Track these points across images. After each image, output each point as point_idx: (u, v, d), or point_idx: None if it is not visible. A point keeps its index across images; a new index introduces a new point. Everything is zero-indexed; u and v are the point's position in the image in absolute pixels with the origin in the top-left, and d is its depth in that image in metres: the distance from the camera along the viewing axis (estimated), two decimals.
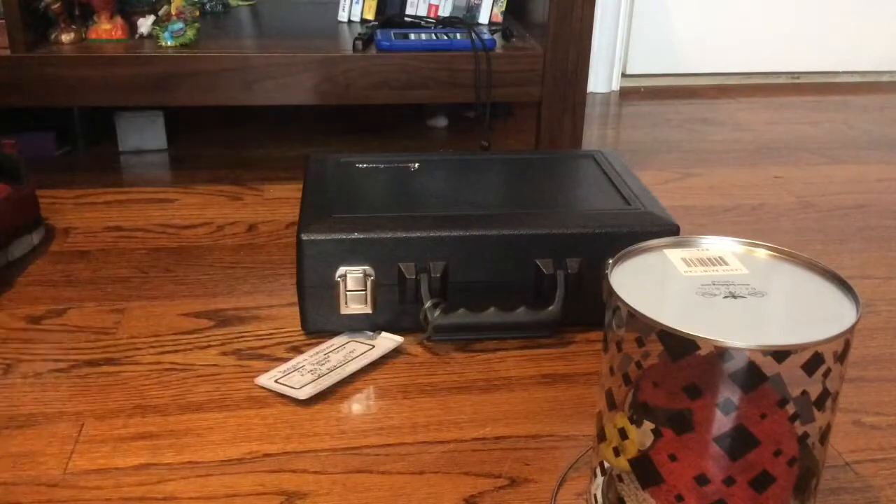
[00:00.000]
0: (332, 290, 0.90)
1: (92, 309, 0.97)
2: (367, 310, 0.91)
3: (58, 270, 1.05)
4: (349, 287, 0.90)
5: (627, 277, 0.62)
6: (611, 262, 0.63)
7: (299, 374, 0.84)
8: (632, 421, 0.62)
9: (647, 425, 0.61)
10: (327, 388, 0.83)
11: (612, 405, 0.62)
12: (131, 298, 0.99)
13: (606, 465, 0.66)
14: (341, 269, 0.89)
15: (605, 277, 0.61)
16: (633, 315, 0.57)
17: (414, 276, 0.89)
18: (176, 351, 0.89)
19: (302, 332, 0.93)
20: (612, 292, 0.59)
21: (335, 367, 0.85)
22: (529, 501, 0.70)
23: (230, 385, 0.84)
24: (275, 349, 0.90)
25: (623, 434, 0.62)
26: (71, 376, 0.85)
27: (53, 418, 0.78)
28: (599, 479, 0.67)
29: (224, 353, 0.89)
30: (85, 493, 0.69)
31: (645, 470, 0.61)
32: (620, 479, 0.64)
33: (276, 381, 0.83)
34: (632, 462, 0.61)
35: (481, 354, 0.90)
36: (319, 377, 0.83)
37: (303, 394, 0.81)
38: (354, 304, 0.91)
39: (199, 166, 1.40)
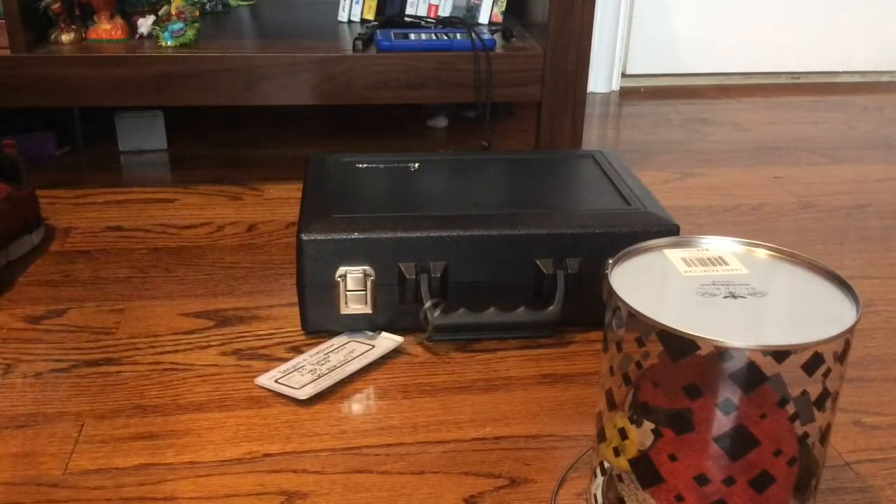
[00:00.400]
0: (332, 290, 0.90)
1: (92, 309, 0.97)
2: (367, 310, 0.91)
3: (58, 270, 1.05)
4: (349, 287, 0.90)
5: (627, 277, 0.62)
6: (611, 262, 0.63)
7: (299, 374, 0.84)
8: (632, 421, 0.62)
9: (647, 425, 0.61)
10: (327, 388, 0.83)
11: (612, 405, 0.62)
12: (131, 298, 0.99)
13: (606, 465, 0.66)
14: (341, 269, 0.89)
15: (605, 277, 0.61)
16: (633, 315, 0.57)
17: (414, 276, 0.89)
18: (176, 351, 0.89)
19: (302, 332, 0.93)
20: (612, 292, 0.59)
21: (335, 367, 0.85)
22: (529, 501, 0.70)
23: (230, 385, 0.84)
24: (275, 349, 0.90)
25: (623, 434, 0.62)
26: (71, 376, 0.85)
27: (53, 418, 0.78)
28: (599, 479, 0.67)
29: (224, 353, 0.89)
30: (85, 493, 0.70)
31: (645, 470, 0.61)
32: (620, 479, 0.64)
33: (276, 382, 0.83)
34: (632, 462, 0.61)
35: (481, 354, 0.90)
36: (319, 377, 0.84)
37: (303, 394, 0.81)
38: (354, 304, 0.91)
39: (199, 166, 1.40)
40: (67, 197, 1.26)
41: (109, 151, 1.45)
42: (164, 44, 1.26)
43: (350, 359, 0.87)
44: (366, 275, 0.89)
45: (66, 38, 1.26)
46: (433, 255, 0.90)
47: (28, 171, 1.11)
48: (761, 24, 1.94)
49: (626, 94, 1.91)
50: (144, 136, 1.45)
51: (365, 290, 0.90)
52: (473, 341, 0.92)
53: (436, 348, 0.91)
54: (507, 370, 0.87)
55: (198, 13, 1.38)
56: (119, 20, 1.30)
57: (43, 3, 1.24)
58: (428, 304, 0.89)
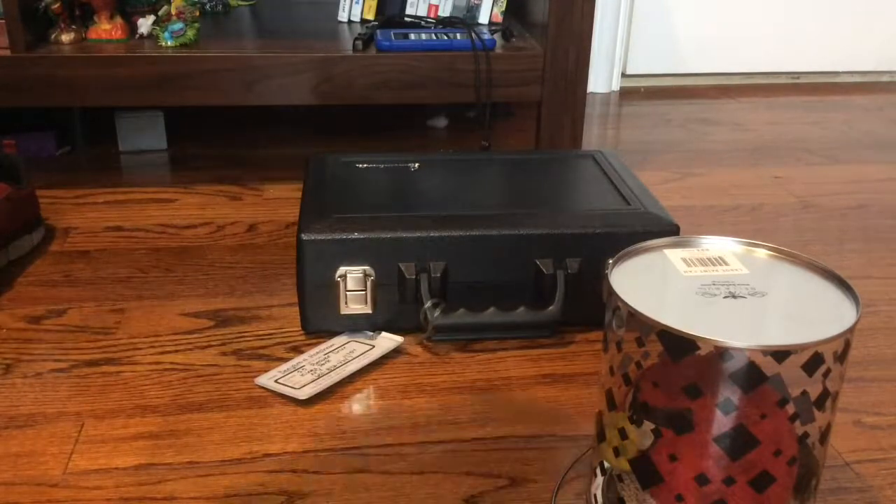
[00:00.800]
0: (332, 290, 0.90)
1: (92, 309, 0.97)
2: (367, 310, 0.91)
3: (58, 270, 1.05)
4: (349, 287, 0.90)
5: (627, 277, 0.62)
6: (611, 262, 0.63)
7: (299, 374, 0.84)
8: (632, 421, 0.62)
9: (647, 425, 0.61)
10: (327, 388, 0.83)
11: (612, 405, 0.62)
12: (131, 298, 0.99)
13: (606, 465, 0.66)
14: (341, 269, 0.89)
15: (605, 277, 0.61)
16: (633, 315, 0.57)
17: (414, 276, 0.89)
18: (176, 351, 0.89)
19: (302, 332, 0.93)
20: (612, 292, 0.59)
21: (335, 367, 0.85)
22: (529, 501, 0.70)
23: (230, 385, 0.84)
24: (275, 349, 0.90)
25: (623, 434, 0.62)
26: (71, 376, 0.85)
27: (53, 418, 0.78)
28: (599, 479, 0.67)
29: (224, 353, 0.89)
30: (85, 493, 0.70)
31: (645, 470, 0.61)
32: (620, 479, 0.64)
33: (276, 382, 0.83)
34: (632, 462, 0.61)
35: (481, 354, 0.90)
36: (319, 377, 0.84)
37: (303, 394, 0.81)
38: (354, 304, 0.91)
39: (199, 166, 1.40)
40: (67, 197, 1.26)
41: (109, 151, 1.45)
42: (164, 44, 1.26)
43: (350, 359, 0.87)
44: (366, 275, 0.89)
45: (66, 38, 1.26)
46: (433, 255, 0.90)
47: (28, 171, 1.11)
48: (761, 24, 1.94)
49: (626, 94, 1.92)
50: (144, 136, 1.45)
51: (365, 290, 0.90)
52: (473, 341, 0.92)
53: (436, 348, 0.91)
54: (507, 370, 0.87)
55: (198, 13, 1.38)
56: (119, 20, 1.30)
57: (43, 3, 1.24)
58: (428, 304, 0.89)
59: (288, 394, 0.81)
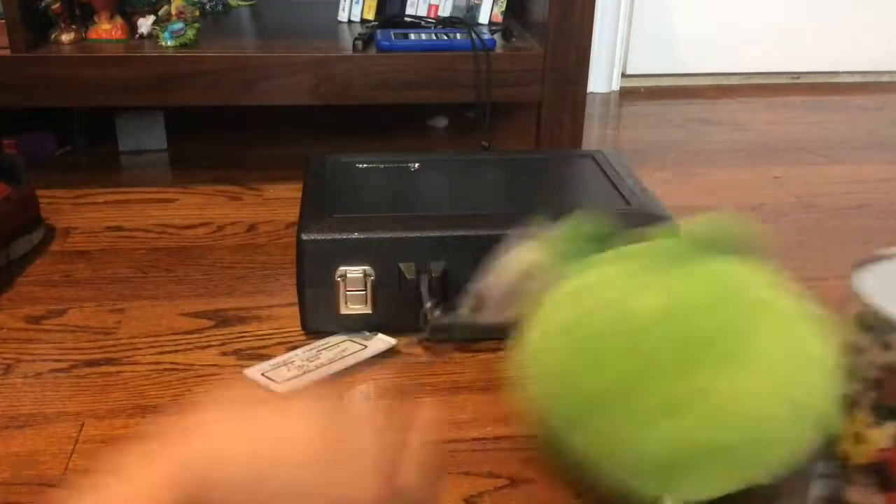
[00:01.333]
0: (332, 290, 0.90)
1: (92, 309, 0.97)
2: (367, 310, 0.91)
3: (58, 270, 1.05)
4: (349, 287, 0.90)
5: (872, 283, 0.61)
6: (855, 268, 0.63)
7: (286, 369, 0.84)
8: (873, 423, 0.61)
9: (889, 428, 0.60)
10: (329, 388, 0.82)
11: (850, 406, 0.61)
12: (131, 298, 0.99)
13: (831, 467, 0.64)
14: (341, 269, 0.89)
15: (853, 284, 0.61)
16: (885, 320, 0.57)
17: (414, 276, 0.89)
18: (176, 351, 0.89)
19: (302, 332, 0.93)
20: (861, 298, 0.59)
21: (322, 365, 0.85)
22: (529, 501, 0.70)
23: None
24: (275, 349, 0.90)
25: (859, 437, 0.61)
26: (71, 376, 0.85)
27: (53, 418, 0.78)
28: (821, 483, 0.65)
29: (224, 353, 0.89)
30: None
31: (882, 474, 0.59)
32: (852, 482, 0.63)
33: (262, 374, 0.83)
34: (867, 465, 0.60)
35: (481, 354, 0.90)
36: (304, 373, 0.83)
37: (282, 388, 0.81)
38: (354, 304, 0.90)
39: (199, 166, 1.40)
40: (67, 197, 1.26)
41: (109, 151, 1.44)
42: (164, 44, 1.26)
43: (339, 357, 0.87)
44: (366, 275, 0.89)
45: (66, 38, 1.26)
46: (433, 255, 0.90)
47: (28, 171, 1.11)
48: (761, 24, 1.94)
49: (626, 94, 1.91)
50: (144, 136, 1.45)
51: (365, 290, 0.90)
52: (473, 341, 0.92)
53: (436, 348, 0.91)
54: (507, 370, 0.87)
55: (198, 13, 1.38)
56: (119, 20, 1.30)
57: (43, 3, 1.24)
58: (428, 304, 0.89)
59: (270, 387, 0.81)
